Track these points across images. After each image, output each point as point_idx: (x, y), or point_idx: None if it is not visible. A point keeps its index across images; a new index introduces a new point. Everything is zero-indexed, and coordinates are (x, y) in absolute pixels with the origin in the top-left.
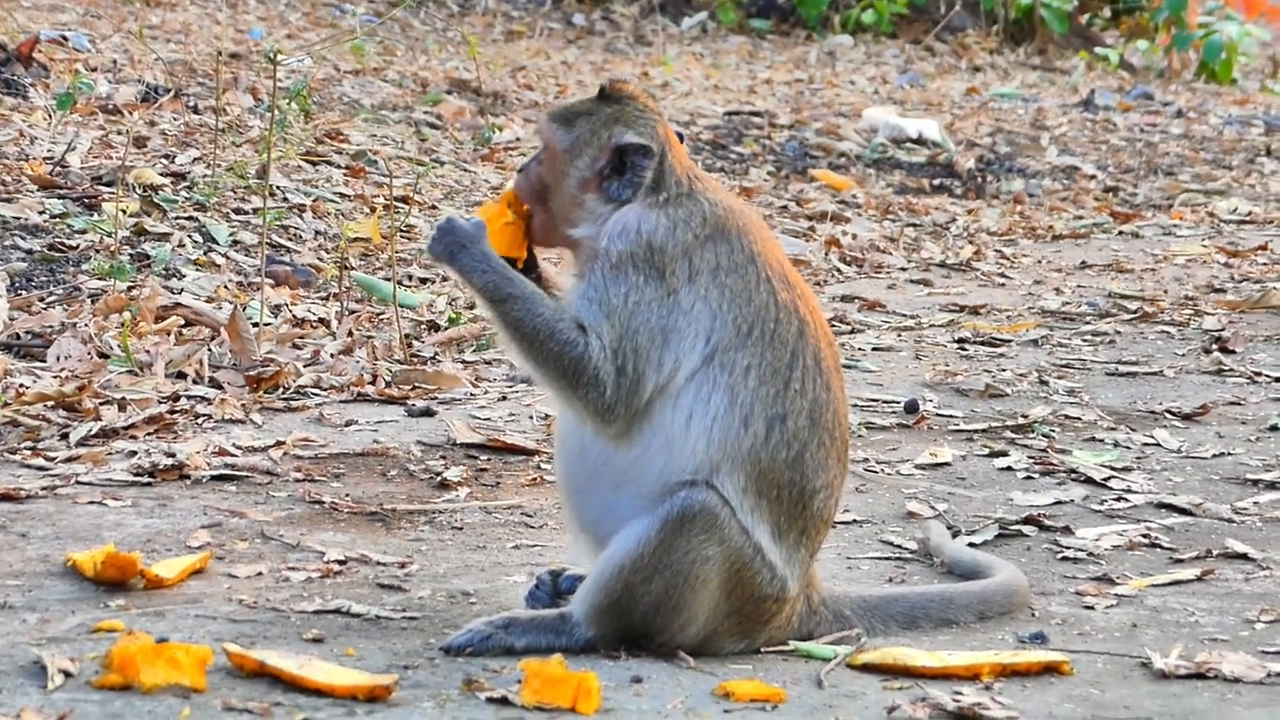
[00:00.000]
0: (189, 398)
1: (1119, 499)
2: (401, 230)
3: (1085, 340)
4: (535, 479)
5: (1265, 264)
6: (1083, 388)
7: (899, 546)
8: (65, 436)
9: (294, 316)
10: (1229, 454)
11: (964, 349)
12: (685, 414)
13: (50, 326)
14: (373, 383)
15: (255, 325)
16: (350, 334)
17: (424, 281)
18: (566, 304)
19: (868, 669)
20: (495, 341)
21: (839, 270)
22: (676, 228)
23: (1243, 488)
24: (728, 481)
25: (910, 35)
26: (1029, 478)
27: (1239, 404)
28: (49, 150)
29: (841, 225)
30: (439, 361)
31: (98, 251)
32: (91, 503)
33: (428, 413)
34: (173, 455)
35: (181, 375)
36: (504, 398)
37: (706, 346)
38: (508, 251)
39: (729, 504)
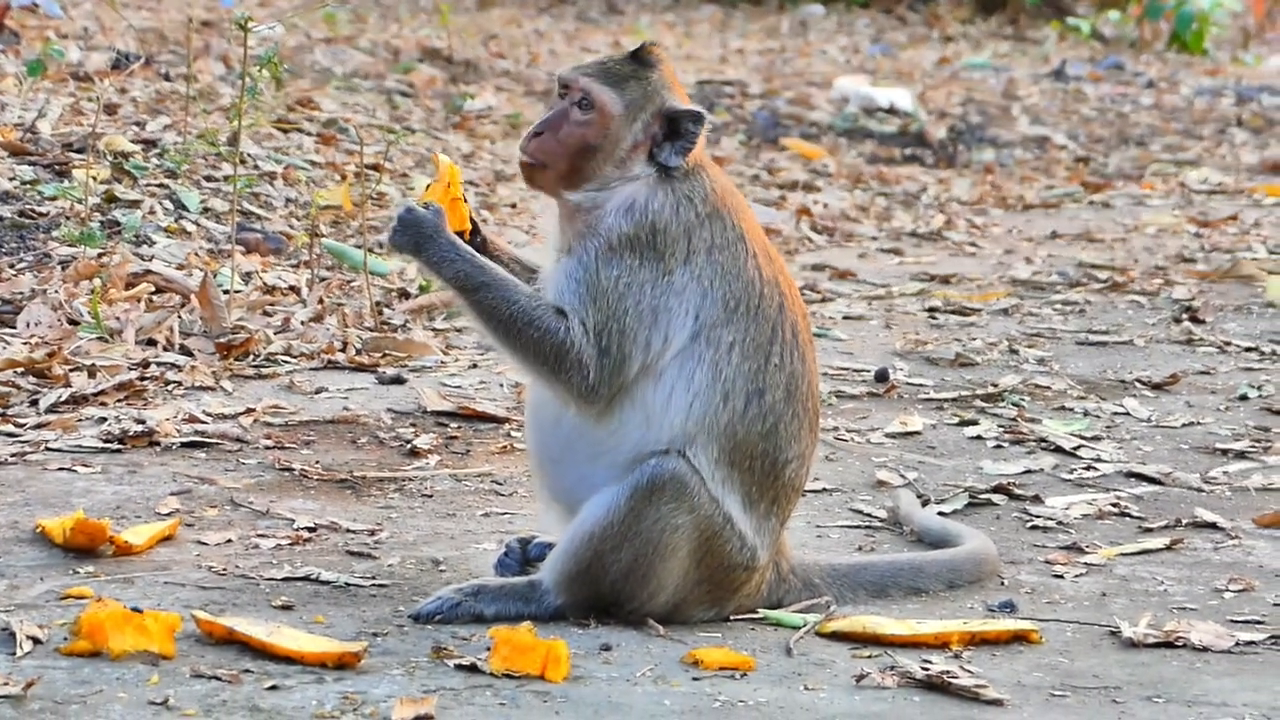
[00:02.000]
0: (159, 365)
1: (1088, 468)
2: (372, 198)
3: (1055, 310)
4: (505, 447)
5: (1235, 234)
6: (1053, 357)
7: (869, 515)
8: (35, 403)
9: (264, 284)
10: (1198, 423)
11: (934, 318)
12: (667, 390)
13: (20, 293)
14: (343, 350)
15: (226, 292)
16: (321, 301)
17: None
18: (544, 283)
19: (837, 637)
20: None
21: (810, 239)
22: (680, 206)
23: (1212, 457)
24: (701, 453)
25: (882, 5)
26: (999, 447)
27: (1209, 373)
28: (19, 117)
29: (813, 194)
30: (409, 329)
31: (68, 218)
32: (61, 469)
33: (398, 380)
34: (143, 422)
35: (152, 342)
36: (474, 365)
37: (695, 324)
38: (459, 227)
39: (699, 473)
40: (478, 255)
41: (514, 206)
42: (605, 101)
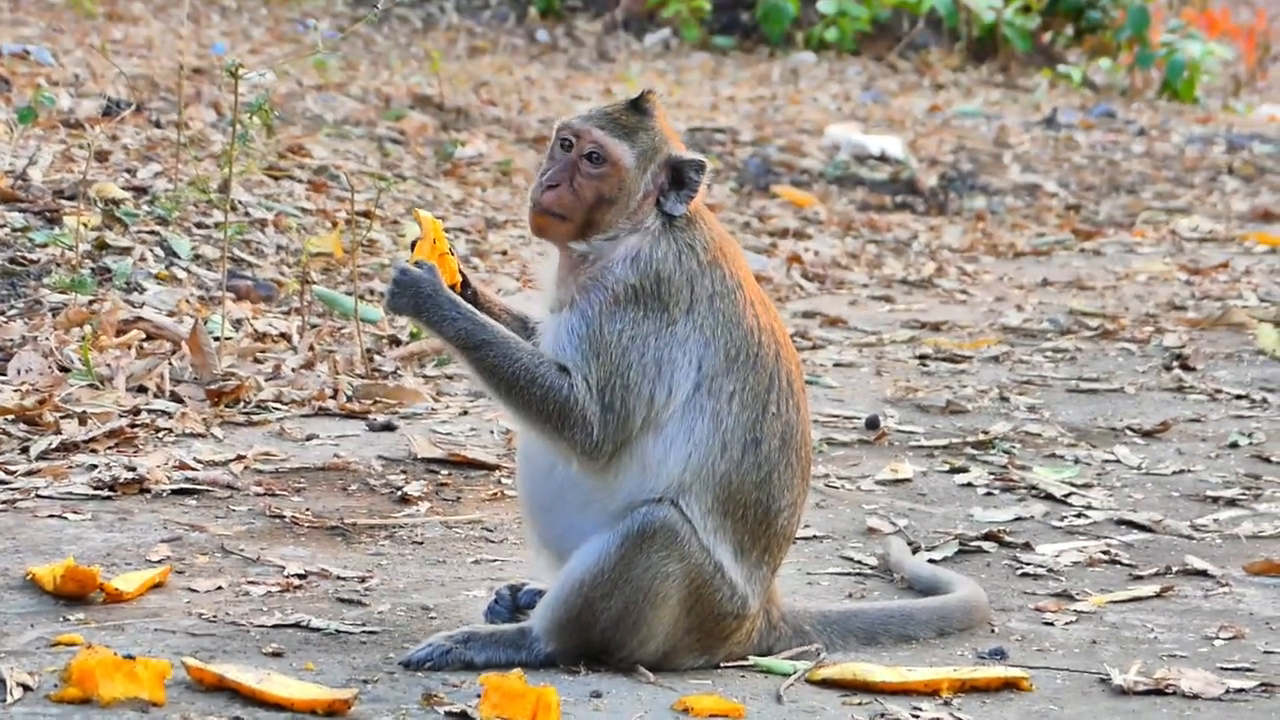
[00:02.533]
0: (150, 412)
1: (1079, 515)
2: (364, 245)
3: (1046, 357)
4: (496, 494)
5: (1226, 282)
6: (1043, 404)
7: (859, 562)
8: (25, 450)
9: (255, 331)
10: (1189, 471)
11: (925, 365)
12: (668, 442)
13: (11, 340)
14: (334, 397)
15: (216, 339)
16: (311, 348)
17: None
18: (543, 336)
19: (827, 684)
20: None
21: (801, 286)
22: (682, 255)
23: (1202, 505)
24: (695, 502)
25: (873, 52)
26: (989, 494)
27: (1199, 421)
28: (10, 164)
29: (804, 242)
30: (400, 376)
31: (59, 265)
32: (51, 516)
33: (388, 427)
34: (133, 469)
35: (142, 389)
36: (465, 412)
37: (698, 375)
38: (449, 281)
39: (690, 522)
40: (478, 313)
41: (505, 253)
42: (619, 154)
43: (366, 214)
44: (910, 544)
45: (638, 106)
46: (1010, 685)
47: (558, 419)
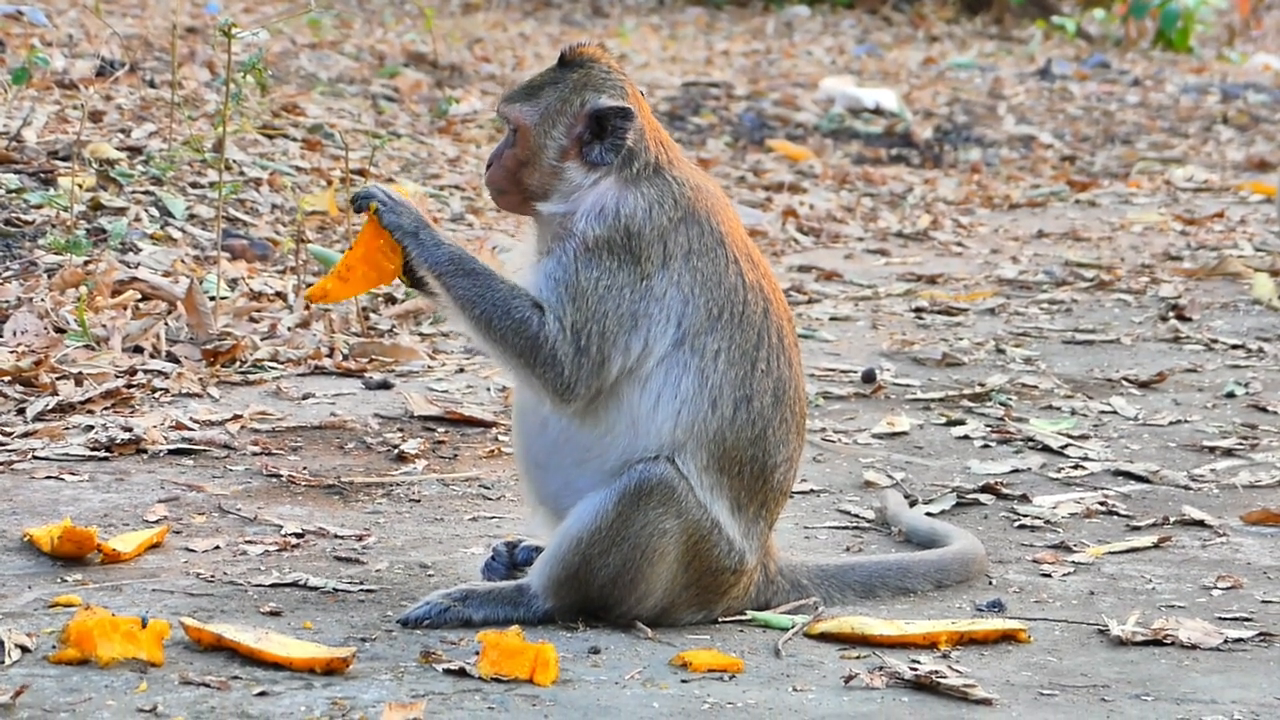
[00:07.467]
0: (146, 372)
1: (1076, 467)
2: None
3: (1042, 309)
4: (493, 451)
5: (1221, 231)
6: (1040, 356)
7: (856, 516)
8: (22, 411)
9: (251, 290)
10: (1186, 421)
11: (921, 318)
12: (654, 397)
13: (7, 301)
14: (330, 356)
15: (212, 299)
16: (307, 307)
17: None
18: (525, 279)
19: (825, 638)
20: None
21: (796, 240)
22: (652, 209)
23: (1199, 455)
24: (690, 460)
25: (867, 5)
26: (986, 446)
27: (1195, 371)
28: (4, 125)
29: (799, 195)
30: (396, 334)
31: (54, 226)
32: (48, 477)
33: (385, 385)
34: (130, 430)
35: (138, 349)
36: (461, 370)
37: (677, 331)
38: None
39: (686, 478)
40: (463, 247)
41: (499, 210)
42: (518, 117)
43: (361, 172)
44: (907, 497)
45: (562, 61)
46: (1008, 637)
47: (528, 355)
